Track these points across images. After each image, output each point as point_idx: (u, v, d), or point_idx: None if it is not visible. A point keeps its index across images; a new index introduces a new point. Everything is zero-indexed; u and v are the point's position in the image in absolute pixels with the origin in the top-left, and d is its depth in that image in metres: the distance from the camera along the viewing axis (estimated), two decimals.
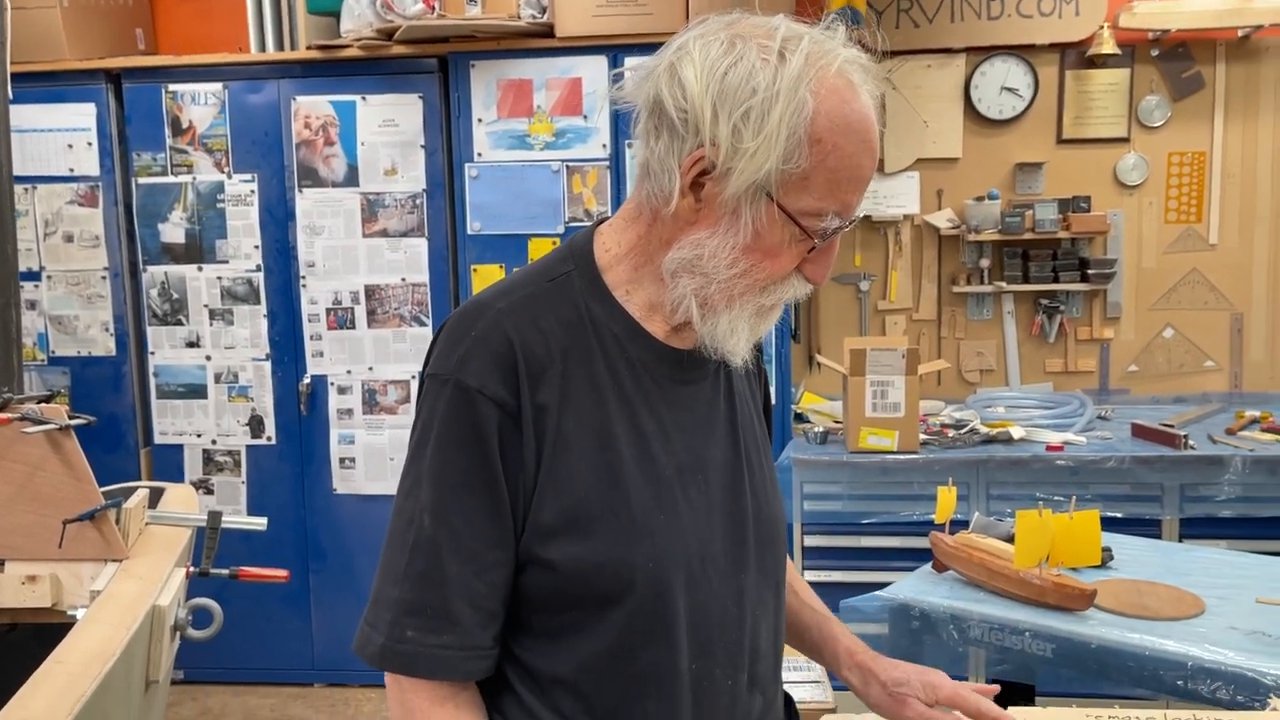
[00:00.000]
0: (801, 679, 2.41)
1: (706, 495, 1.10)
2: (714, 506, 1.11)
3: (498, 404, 1.02)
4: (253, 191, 3.64)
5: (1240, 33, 3.63)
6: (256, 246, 3.67)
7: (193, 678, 3.90)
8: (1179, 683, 1.77)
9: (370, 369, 3.68)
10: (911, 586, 2.18)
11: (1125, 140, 3.80)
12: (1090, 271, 3.75)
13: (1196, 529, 3.11)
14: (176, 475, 3.76)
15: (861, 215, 1.09)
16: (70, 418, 1.94)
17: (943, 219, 3.87)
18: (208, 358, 3.74)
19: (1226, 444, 3.18)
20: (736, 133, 0.96)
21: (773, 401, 1.37)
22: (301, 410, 3.72)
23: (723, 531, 1.11)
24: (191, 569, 2.08)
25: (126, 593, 1.80)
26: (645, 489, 1.06)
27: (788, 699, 1.28)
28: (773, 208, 0.99)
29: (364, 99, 3.57)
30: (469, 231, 3.57)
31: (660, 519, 1.06)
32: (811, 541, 3.37)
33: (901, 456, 3.25)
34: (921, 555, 2.31)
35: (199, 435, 3.78)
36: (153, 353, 3.76)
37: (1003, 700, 2.29)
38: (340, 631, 3.79)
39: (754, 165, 0.96)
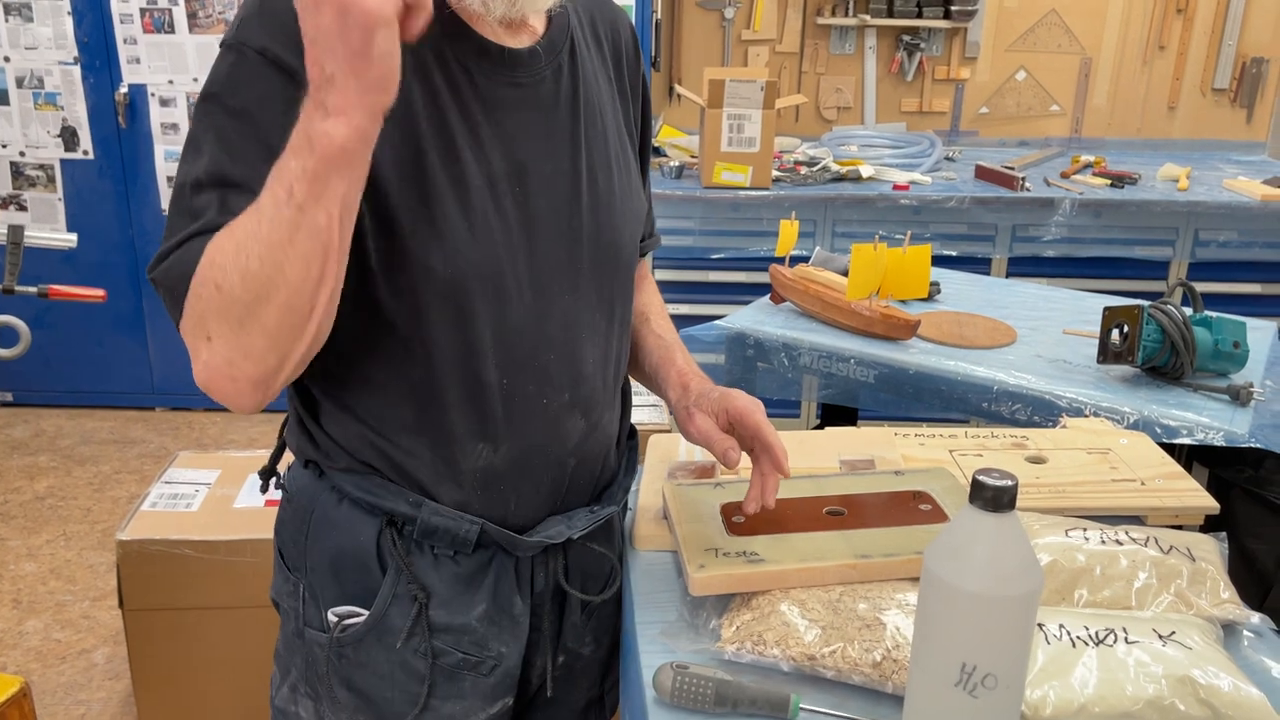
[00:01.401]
0: (641, 403, 2.49)
1: (525, 208, 1.04)
2: (535, 220, 1.05)
3: (283, 69, 0.92)
4: None
5: None
6: None
7: (24, 400, 3.78)
8: (984, 405, 1.89)
9: (195, 80, 3.38)
10: (748, 316, 2.23)
11: None
12: (953, 8, 3.69)
13: (1022, 267, 3.27)
14: None
15: None
16: None
17: None
18: (6, 59, 3.36)
19: (1060, 187, 3.30)
20: None
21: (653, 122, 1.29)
22: (120, 123, 3.43)
23: (544, 248, 1.06)
24: None
25: None
26: (448, 193, 0.99)
27: (632, 430, 1.26)
28: None
29: None
30: None
31: (461, 226, 1.00)
32: (661, 276, 3.40)
33: (753, 193, 3.25)
34: (766, 289, 2.36)
35: (4, 146, 3.45)
36: None
37: (826, 422, 2.42)
38: (179, 355, 3.69)
39: None
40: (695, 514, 1.19)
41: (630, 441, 1.26)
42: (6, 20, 3.31)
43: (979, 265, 3.23)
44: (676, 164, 3.44)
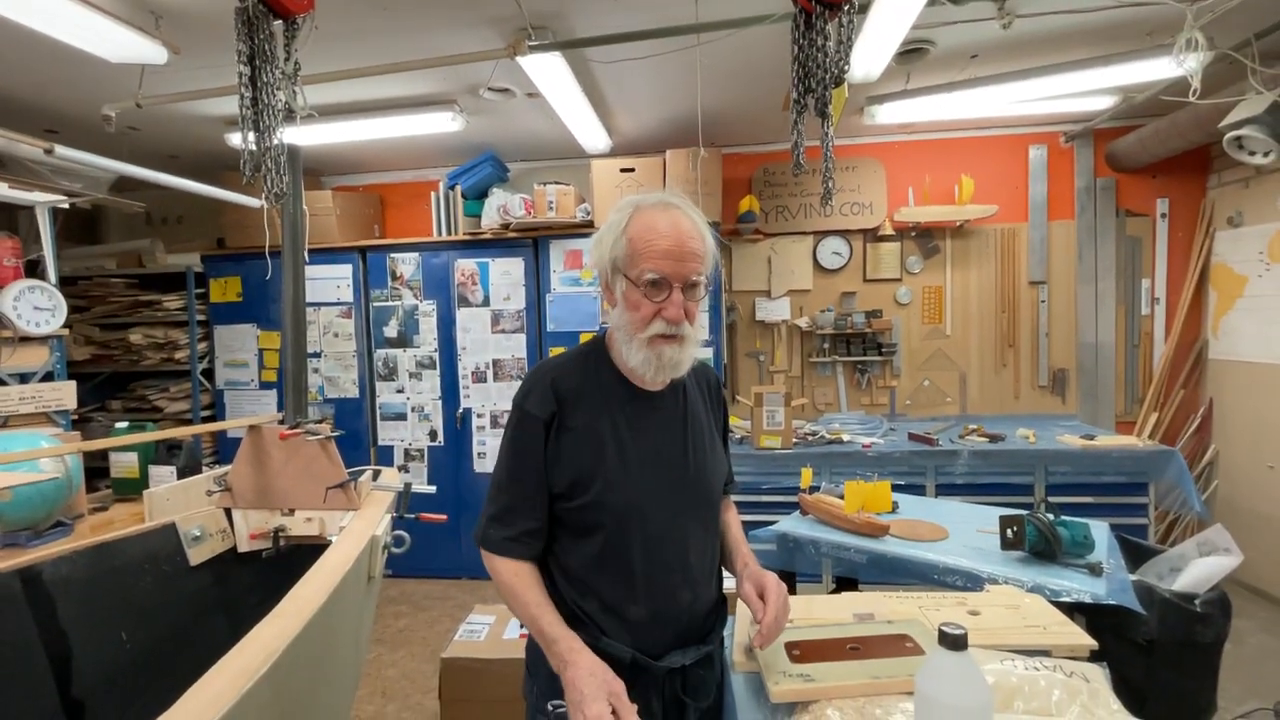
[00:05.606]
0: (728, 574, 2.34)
1: (657, 470, 1.09)
2: (663, 477, 1.09)
3: (541, 422, 1.04)
4: (433, 310, 3.67)
5: (958, 223, 3.69)
6: (434, 339, 3.68)
7: (397, 574, 3.82)
8: (935, 577, 1.74)
9: (495, 404, 3.67)
10: (788, 524, 2.14)
11: (899, 280, 3.83)
12: (883, 350, 3.76)
13: (944, 491, 3.06)
14: (389, 461, 3.73)
15: (700, 282, 1.04)
16: (332, 431, 1.93)
17: (803, 322, 3.88)
18: (407, 399, 3.73)
19: (959, 443, 3.15)
20: (595, 249, 1.07)
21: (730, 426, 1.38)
22: (457, 427, 3.70)
23: (669, 491, 1.09)
24: (394, 514, 2.04)
25: (358, 529, 1.77)
26: (619, 466, 1.05)
27: (723, 597, 1.21)
28: (623, 279, 1.04)
29: (493, 260, 3.61)
30: (548, 329, 3.59)
31: (623, 481, 1.05)
32: (735, 498, 3.29)
33: (783, 451, 3.21)
34: (795, 506, 2.28)
35: (402, 440, 3.75)
36: (378, 396, 3.75)
37: (839, 588, 2.23)
38: (474, 549, 3.70)
39: (600, 258, 1.06)
40: (771, 649, 1.11)
41: (722, 606, 1.21)
42: (410, 381, 3.71)
43: (917, 490, 3.05)
44: (739, 436, 3.45)
